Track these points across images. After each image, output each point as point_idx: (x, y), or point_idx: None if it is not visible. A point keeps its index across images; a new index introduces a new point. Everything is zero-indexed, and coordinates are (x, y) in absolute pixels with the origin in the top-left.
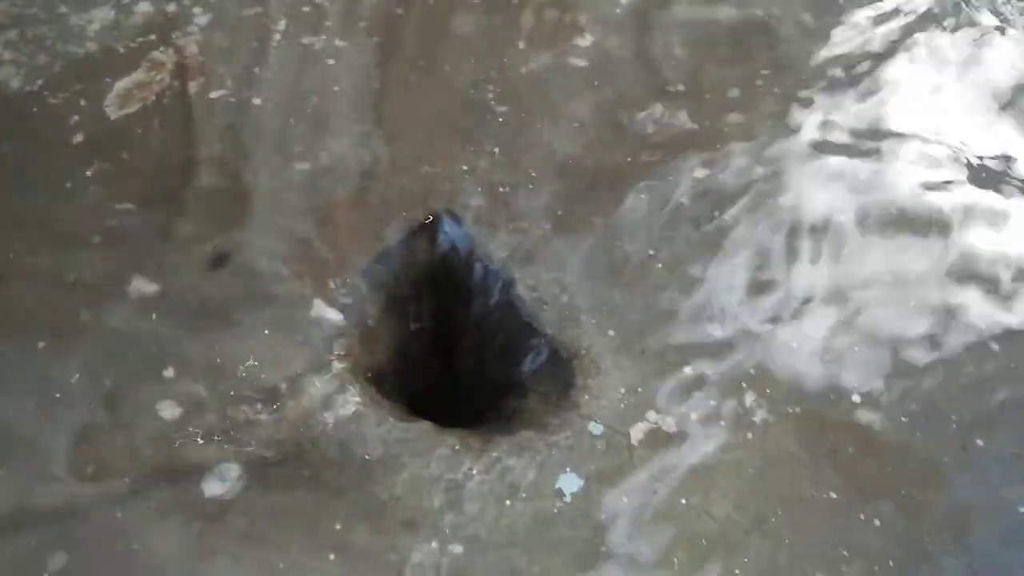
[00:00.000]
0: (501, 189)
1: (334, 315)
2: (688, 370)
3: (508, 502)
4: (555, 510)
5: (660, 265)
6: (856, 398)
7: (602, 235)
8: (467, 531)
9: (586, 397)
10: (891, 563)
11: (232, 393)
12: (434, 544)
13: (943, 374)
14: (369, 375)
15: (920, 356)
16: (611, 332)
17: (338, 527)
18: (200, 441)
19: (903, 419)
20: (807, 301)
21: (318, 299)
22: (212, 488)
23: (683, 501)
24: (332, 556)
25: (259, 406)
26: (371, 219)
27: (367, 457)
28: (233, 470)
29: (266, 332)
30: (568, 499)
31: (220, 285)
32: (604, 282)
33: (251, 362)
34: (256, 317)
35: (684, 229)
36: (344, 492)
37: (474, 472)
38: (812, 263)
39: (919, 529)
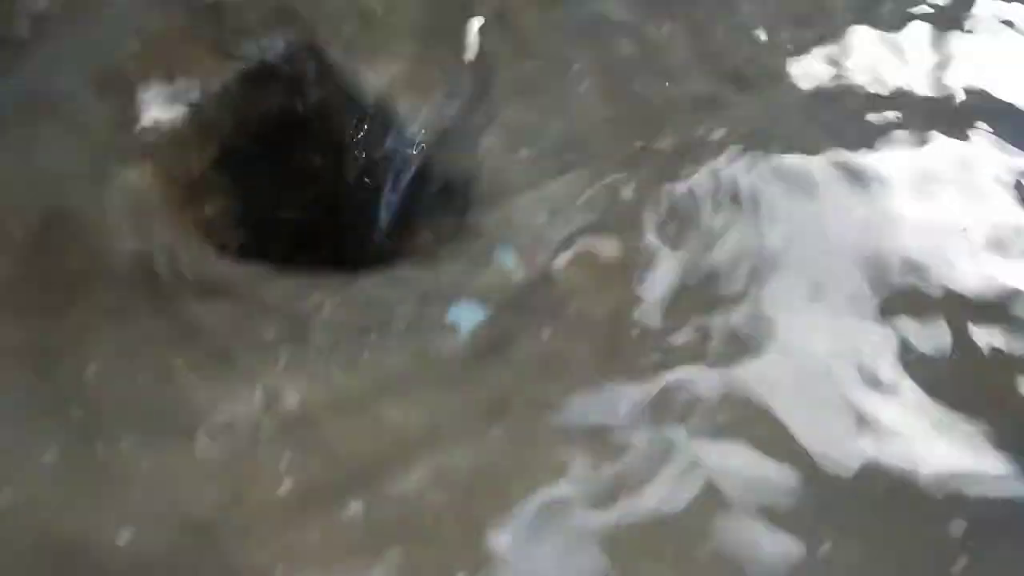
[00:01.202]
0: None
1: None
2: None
3: (374, 335)
4: (444, 348)
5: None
6: None
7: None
8: (310, 371)
9: (494, 224)
10: None
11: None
12: (257, 392)
13: None
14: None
15: None
16: (524, 151)
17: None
18: None
19: None
20: None
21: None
22: None
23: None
24: None
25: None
26: (209, 49)
27: (174, 281)
28: None
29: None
30: (464, 335)
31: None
32: (515, 98)
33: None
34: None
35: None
36: (140, 317)
37: (326, 303)
38: None
39: None
